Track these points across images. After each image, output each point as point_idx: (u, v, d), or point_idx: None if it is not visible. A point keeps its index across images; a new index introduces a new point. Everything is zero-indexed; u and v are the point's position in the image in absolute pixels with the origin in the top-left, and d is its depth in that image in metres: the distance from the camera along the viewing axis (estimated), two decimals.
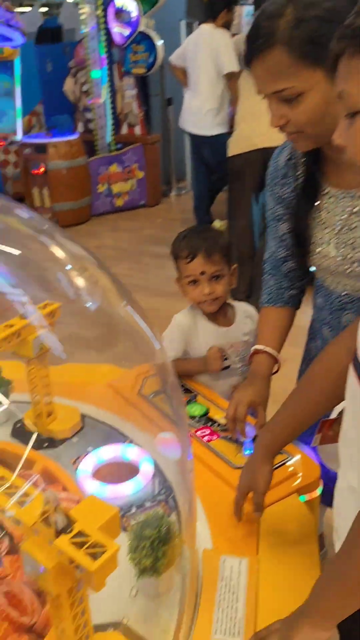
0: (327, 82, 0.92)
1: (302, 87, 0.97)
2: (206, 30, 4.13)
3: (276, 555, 0.98)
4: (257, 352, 1.33)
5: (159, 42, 5.36)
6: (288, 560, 0.97)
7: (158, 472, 1.16)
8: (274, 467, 1.17)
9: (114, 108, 5.77)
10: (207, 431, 1.31)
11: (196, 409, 1.39)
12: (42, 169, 5.15)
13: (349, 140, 0.70)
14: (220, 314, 1.57)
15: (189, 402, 1.44)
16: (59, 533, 0.64)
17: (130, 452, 1.22)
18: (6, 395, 1.33)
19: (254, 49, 0.98)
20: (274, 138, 1.28)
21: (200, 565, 0.96)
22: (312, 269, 1.31)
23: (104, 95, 5.67)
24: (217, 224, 4.24)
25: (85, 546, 0.63)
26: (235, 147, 3.41)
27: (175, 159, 6.40)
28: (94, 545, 0.63)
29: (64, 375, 1.40)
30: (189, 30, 6.08)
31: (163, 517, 0.89)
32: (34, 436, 1.18)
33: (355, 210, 1.14)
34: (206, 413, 1.38)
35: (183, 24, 5.94)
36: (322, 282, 1.31)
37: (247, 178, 3.33)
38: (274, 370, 1.33)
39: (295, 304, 1.37)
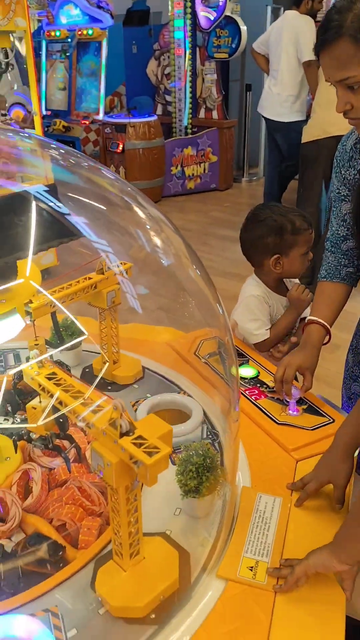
0: None
1: None
2: (290, 17, 4.14)
3: (310, 501, 1.08)
4: (310, 322, 1.41)
5: (244, 28, 5.40)
6: (319, 504, 1.07)
7: (207, 420, 1.29)
8: (316, 425, 1.28)
9: (193, 92, 5.87)
10: (256, 391, 1.42)
11: (247, 371, 1.50)
12: (120, 148, 5.34)
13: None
14: (281, 287, 1.70)
15: (241, 365, 1.55)
16: (122, 435, 0.78)
17: (184, 401, 1.35)
18: (78, 343, 1.49)
19: (323, 40, 1.08)
20: (347, 126, 1.36)
21: (238, 499, 1.08)
22: None
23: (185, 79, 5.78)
24: None
25: (143, 446, 0.76)
26: (309, 134, 3.45)
27: (250, 146, 6.44)
28: (150, 447, 0.76)
29: (129, 333, 1.55)
30: (275, 16, 6.06)
31: (209, 449, 1.02)
32: (102, 372, 1.32)
33: None
34: (256, 376, 1.49)
35: (269, 10, 5.92)
36: None
37: (319, 165, 3.36)
38: (325, 341, 1.42)
39: (351, 281, 1.44)
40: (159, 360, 1.55)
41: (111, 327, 1.39)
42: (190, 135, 5.80)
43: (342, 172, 1.37)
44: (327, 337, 1.42)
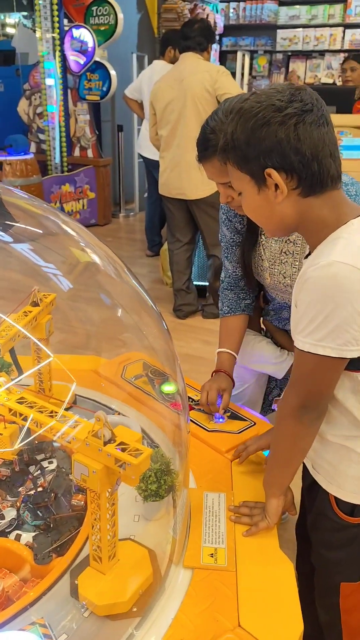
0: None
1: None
2: (158, 67, 4.51)
3: (247, 490, 1.24)
4: (220, 353, 1.64)
5: (113, 72, 5.69)
6: (256, 493, 1.23)
7: (145, 434, 1.40)
8: (242, 429, 1.45)
9: (67, 131, 6.01)
10: None
11: (169, 388, 1.64)
12: None
13: (245, 210, 1.05)
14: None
15: (162, 383, 1.68)
16: (106, 443, 0.88)
17: (121, 420, 1.44)
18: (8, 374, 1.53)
19: (202, 155, 1.35)
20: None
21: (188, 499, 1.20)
22: None
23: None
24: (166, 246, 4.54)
25: (127, 450, 0.87)
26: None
27: (124, 182, 6.70)
28: (133, 450, 0.87)
29: (52, 365, 1.62)
30: (139, 63, 6.47)
31: (163, 455, 1.14)
32: (70, 393, 1.37)
33: (284, 250, 1.50)
34: (177, 391, 1.63)
35: (134, 57, 6.30)
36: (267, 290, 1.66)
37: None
38: (234, 363, 1.64)
39: (249, 310, 1.70)
40: (88, 387, 1.64)
41: (46, 357, 1.45)
42: (67, 173, 5.91)
43: (233, 222, 1.61)
44: (235, 361, 1.65)
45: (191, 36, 3.36)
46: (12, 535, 1.08)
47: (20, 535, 1.08)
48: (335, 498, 1.08)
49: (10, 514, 1.12)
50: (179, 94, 3.38)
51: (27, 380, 1.56)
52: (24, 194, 1.27)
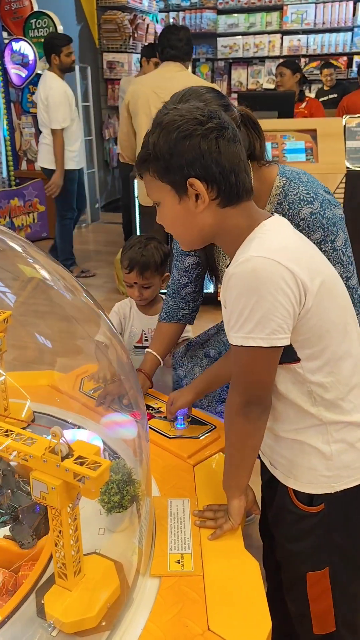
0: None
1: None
2: (46, 78, 4.57)
3: (210, 494, 1.25)
4: (148, 353, 1.71)
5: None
6: (220, 496, 1.24)
7: (107, 447, 1.39)
8: (203, 433, 1.46)
9: (12, 145, 5.94)
10: None
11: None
12: None
13: (160, 221, 1.08)
14: (148, 306, 1.96)
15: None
16: (63, 458, 0.87)
17: (80, 435, 1.43)
18: None
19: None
20: None
21: (153, 507, 1.20)
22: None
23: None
24: None
25: (85, 464, 0.86)
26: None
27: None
28: (91, 463, 0.86)
29: (7, 383, 1.59)
30: (82, 73, 6.46)
31: (125, 465, 1.14)
32: (25, 411, 1.35)
33: None
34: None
35: (77, 68, 6.28)
36: None
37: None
38: (157, 368, 1.73)
39: (186, 320, 1.75)
40: (45, 403, 1.62)
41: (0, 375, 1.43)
42: (15, 187, 5.82)
43: None
44: (161, 363, 1.73)
45: (178, 45, 3.23)
46: None
47: None
48: (294, 490, 1.11)
49: None
50: None
51: None
52: None
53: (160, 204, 1.05)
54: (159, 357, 1.71)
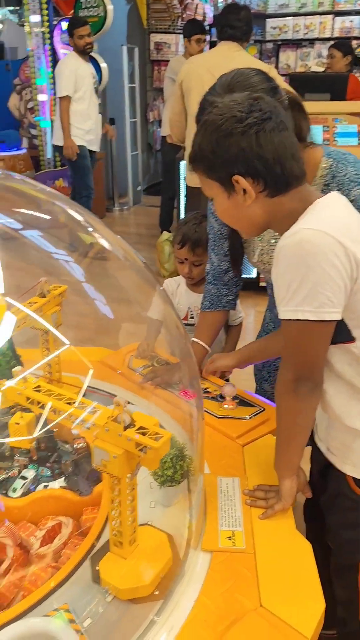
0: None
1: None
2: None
3: (259, 474, 1.24)
4: (194, 342, 1.68)
5: (104, 65, 5.65)
6: (268, 477, 1.24)
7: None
8: (251, 415, 1.46)
9: None
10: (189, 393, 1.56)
11: None
12: None
13: (218, 214, 1.10)
14: (197, 284, 1.95)
15: None
16: (126, 428, 0.88)
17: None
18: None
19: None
20: None
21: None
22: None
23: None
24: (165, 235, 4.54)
25: (147, 434, 0.87)
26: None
27: (117, 177, 6.68)
28: (152, 434, 0.87)
29: (60, 356, 1.62)
30: (130, 54, 6.43)
31: (176, 442, 1.14)
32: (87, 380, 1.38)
33: (272, 241, 1.52)
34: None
35: (125, 49, 6.27)
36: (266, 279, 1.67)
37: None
38: (205, 357, 1.70)
39: (230, 306, 1.73)
40: (95, 377, 1.63)
41: (55, 349, 1.45)
42: (60, 168, 5.87)
43: None
44: (208, 352, 1.70)
45: (237, 25, 3.16)
46: (40, 488, 1.20)
47: (47, 485, 1.19)
48: (352, 477, 1.09)
49: (30, 472, 1.23)
50: None
51: (35, 372, 1.56)
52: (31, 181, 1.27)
53: (214, 200, 1.09)
54: (206, 346, 1.69)
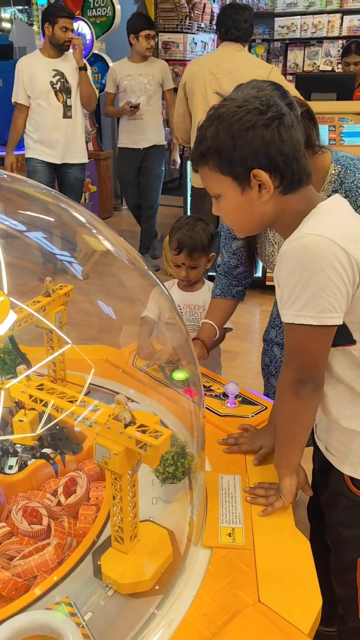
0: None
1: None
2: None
3: (261, 472, 1.26)
4: (203, 323, 1.73)
5: (112, 64, 5.66)
6: (270, 475, 1.25)
7: (161, 422, 1.42)
8: (253, 413, 1.47)
9: None
10: (192, 391, 1.58)
11: (181, 375, 1.66)
12: None
13: (219, 212, 1.08)
14: (189, 284, 1.98)
15: (173, 370, 1.71)
16: (127, 426, 0.90)
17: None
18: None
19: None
20: None
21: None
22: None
23: None
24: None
25: (148, 432, 0.89)
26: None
27: None
28: (153, 432, 0.89)
29: (65, 354, 1.64)
30: None
31: (178, 439, 1.16)
32: (89, 378, 1.40)
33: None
34: (188, 378, 1.65)
35: None
36: None
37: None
38: (215, 338, 1.73)
39: (240, 297, 1.77)
40: (100, 375, 1.66)
41: (58, 347, 1.47)
42: None
43: None
44: (217, 334, 1.73)
45: (243, 27, 3.20)
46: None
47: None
48: (350, 477, 1.10)
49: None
50: (227, 86, 3.27)
51: (40, 370, 1.58)
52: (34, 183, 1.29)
53: (221, 197, 1.05)
54: (216, 326, 1.72)
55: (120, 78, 4.43)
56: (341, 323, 0.98)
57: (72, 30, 3.85)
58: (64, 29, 3.76)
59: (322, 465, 1.21)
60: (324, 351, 1.02)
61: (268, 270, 1.72)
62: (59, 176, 4.08)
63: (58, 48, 3.84)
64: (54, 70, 3.86)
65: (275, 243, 1.57)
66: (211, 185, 1.05)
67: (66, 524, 1.12)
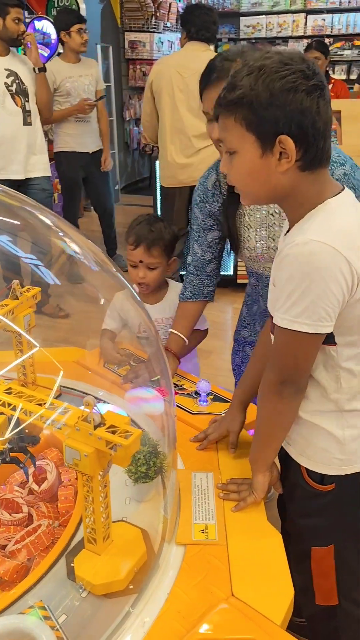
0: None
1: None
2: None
3: (233, 469, 1.27)
4: (172, 333, 1.69)
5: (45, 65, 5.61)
6: (242, 471, 1.27)
7: (133, 422, 1.42)
8: (225, 410, 1.48)
9: None
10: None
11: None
12: None
13: (228, 168, 1.00)
14: (150, 294, 1.81)
15: None
16: (96, 427, 0.90)
17: (105, 409, 1.46)
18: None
19: (208, 80, 1.32)
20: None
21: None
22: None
23: None
24: None
25: (117, 433, 0.89)
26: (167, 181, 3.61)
27: None
28: (122, 432, 0.89)
29: (35, 357, 1.62)
30: (104, 53, 6.42)
31: (150, 438, 1.17)
32: (58, 381, 1.39)
33: (270, 211, 1.51)
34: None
35: (99, 48, 6.25)
36: (251, 269, 1.68)
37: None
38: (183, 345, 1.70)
39: (211, 298, 1.73)
40: (71, 378, 1.65)
41: (28, 350, 1.46)
42: None
43: (207, 206, 1.62)
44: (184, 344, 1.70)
45: (212, 28, 3.24)
46: None
47: None
48: (306, 469, 1.13)
49: None
50: (193, 86, 3.25)
51: (9, 374, 1.56)
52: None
53: (236, 154, 0.96)
54: (183, 337, 1.68)
55: (61, 80, 4.01)
56: (332, 330, 0.98)
57: (23, 22, 3.30)
58: (16, 21, 3.21)
59: (284, 457, 1.22)
60: (311, 356, 1.03)
61: (239, 264, 1.73)
62: (25, 193, 3.50)
63: (10, 43, 3.29)
64: (7, 70, 3.30)
65: (251, 227, 1.54)
66: (230, 139, 0.96)
67: (44, 509, 1.16)
